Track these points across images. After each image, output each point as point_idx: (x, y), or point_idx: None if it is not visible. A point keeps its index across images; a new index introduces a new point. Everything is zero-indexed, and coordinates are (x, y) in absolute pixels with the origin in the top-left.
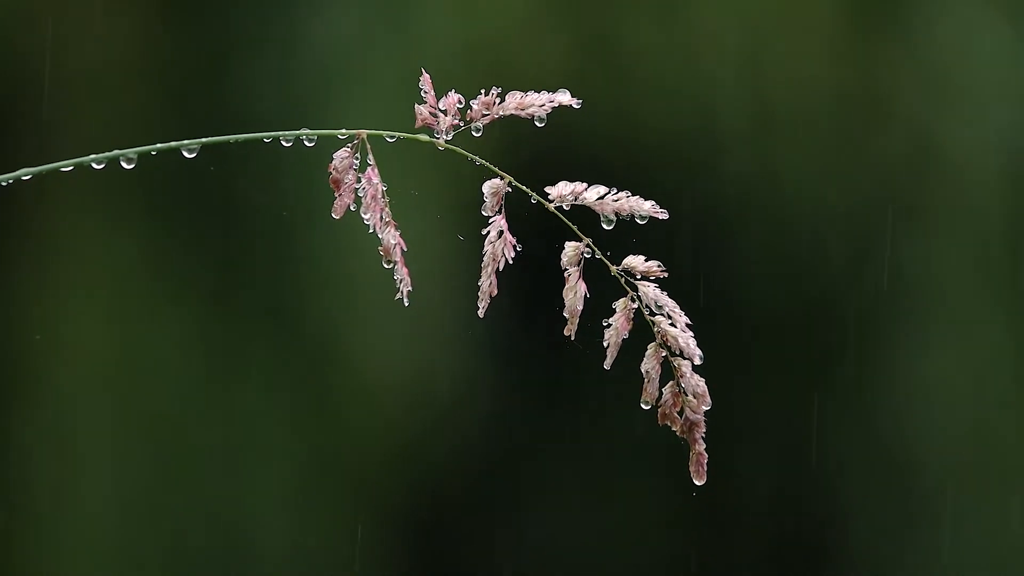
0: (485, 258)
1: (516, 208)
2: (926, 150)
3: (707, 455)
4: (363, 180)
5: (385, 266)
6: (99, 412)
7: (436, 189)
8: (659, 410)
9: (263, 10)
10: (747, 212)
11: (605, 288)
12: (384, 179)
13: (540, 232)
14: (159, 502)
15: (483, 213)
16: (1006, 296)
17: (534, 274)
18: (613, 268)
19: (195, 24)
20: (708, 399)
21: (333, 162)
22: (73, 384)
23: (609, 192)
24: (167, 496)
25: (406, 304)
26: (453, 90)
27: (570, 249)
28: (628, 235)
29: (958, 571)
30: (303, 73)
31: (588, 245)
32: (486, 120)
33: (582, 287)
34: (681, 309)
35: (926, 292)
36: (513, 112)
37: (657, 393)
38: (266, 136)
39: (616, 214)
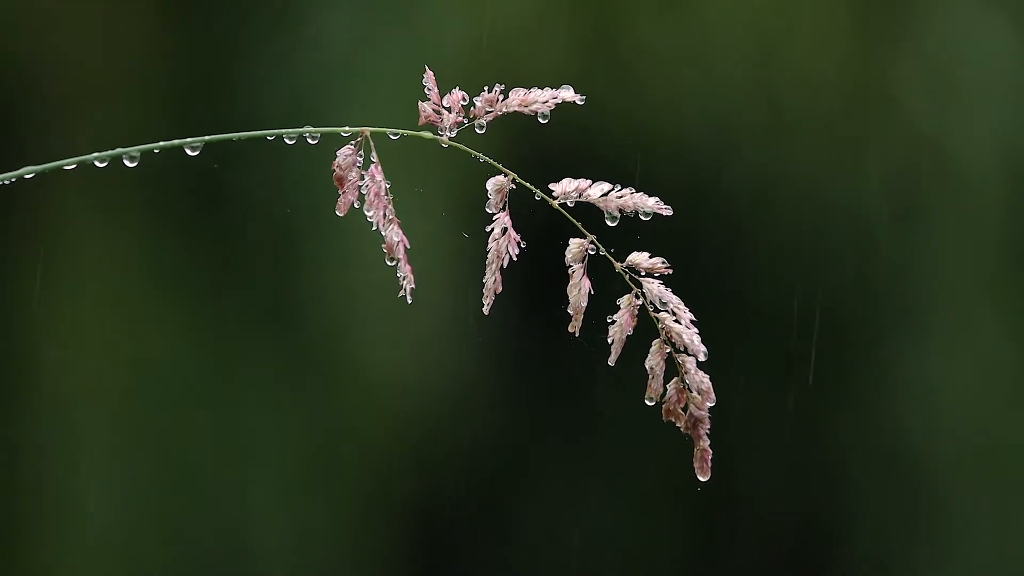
0: (490, 255)
1: (520, 207)
2: (930, 151)
3: (711, 451)
4: (366, 178)
5: (388, 263)
6: (100, 412)
7: (441, 187)
8: (663, 406)
9: (267, 8)
10: (753, 211)
11: (611, 283)
12: (388, 177)
13: (544, 229)
14: (161, 502)
15: (487, 210)
16: (1008, 296)
17: (537, 271)
18: (617, 265)
19: (198, 23)
20: (712, 395)
21: (337, 160)
22: (74, 384)
23: (613, 189)
24: (169, 496)
25: (409, 302)
26: (457, 87)
27: (574, 246)
28: (634, 232)
29: (963, 571)
30: (307, 70)
31: (592, 242)
32: (489, 117)
33: (586, 284)
34: (688, 307)
35: (929, 291)
36: (516, 109)
37: (661, 389)
38: (269, 134)
39: (620, 211)
